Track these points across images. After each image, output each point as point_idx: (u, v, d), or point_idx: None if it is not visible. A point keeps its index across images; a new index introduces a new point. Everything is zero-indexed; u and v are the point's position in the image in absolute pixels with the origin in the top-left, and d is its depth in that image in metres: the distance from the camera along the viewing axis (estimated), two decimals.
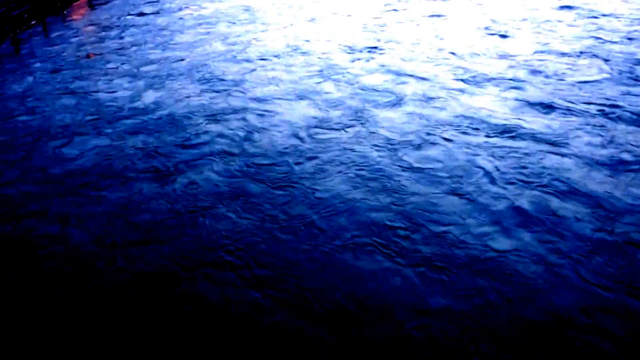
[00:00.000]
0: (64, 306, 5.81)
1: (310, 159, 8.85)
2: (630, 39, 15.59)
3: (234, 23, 19.14)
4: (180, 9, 21.00)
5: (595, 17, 18.54)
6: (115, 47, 16.12)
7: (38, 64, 14.46)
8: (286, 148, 9.25)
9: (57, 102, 11.93)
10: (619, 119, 10.43)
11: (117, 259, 6.53)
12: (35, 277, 6.29)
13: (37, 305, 5.84)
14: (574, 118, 10.45)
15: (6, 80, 13.48)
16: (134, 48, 16.05)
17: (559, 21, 18.26)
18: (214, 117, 10.81)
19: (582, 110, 10.78)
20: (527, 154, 8.99)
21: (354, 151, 9.03)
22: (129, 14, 20.01)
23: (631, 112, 10.66)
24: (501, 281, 6.16)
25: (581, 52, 14.70)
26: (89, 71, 14.14)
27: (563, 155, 8.90)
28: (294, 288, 6.02)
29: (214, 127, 10.28)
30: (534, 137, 9.58)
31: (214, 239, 6.80)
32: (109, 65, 14.44)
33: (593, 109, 10.93)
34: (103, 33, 17.66)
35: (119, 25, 18.46)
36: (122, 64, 14.48)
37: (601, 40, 15.69)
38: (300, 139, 9.67)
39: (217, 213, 7.39)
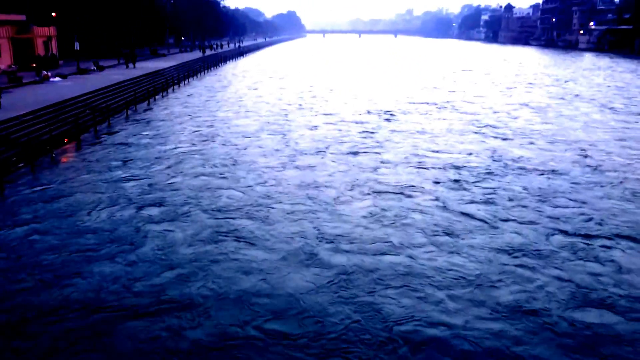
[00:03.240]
0: None
1: (271, 210, 14.58)
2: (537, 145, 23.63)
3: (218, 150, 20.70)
4: (170, 138, 22.52)
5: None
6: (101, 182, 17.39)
7: (21, 207, 14.78)
8: (256, 206, 14.81)
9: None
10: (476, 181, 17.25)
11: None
12: None
13: None
14: (449, 184, 17.00)
15: None
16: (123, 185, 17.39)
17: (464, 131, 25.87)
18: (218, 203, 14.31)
19: (455, 178, 17.55)
20: (405, 200, 15.41)
21: (302, 204, 15.02)
22: (118, 152, 21.38)
23: (477, 175, 17.88)
24: (359, 242, 12.30)
25: (472, 151, 21.50)
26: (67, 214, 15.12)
27: (428, 199, 15.48)
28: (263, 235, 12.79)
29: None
30: (418, 193, 16.05)
31: (226, 231, 13.06)
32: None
33: (466, 174, 17.88)
34: (91, 171, 18.82)
35: (107, 161, 19.76)
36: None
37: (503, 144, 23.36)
38: (269, 204, 15.03)
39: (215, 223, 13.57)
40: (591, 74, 59.86)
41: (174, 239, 12.53)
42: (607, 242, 12.39)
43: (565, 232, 12.95)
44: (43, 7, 49.65)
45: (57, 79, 36.63)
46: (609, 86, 47.91)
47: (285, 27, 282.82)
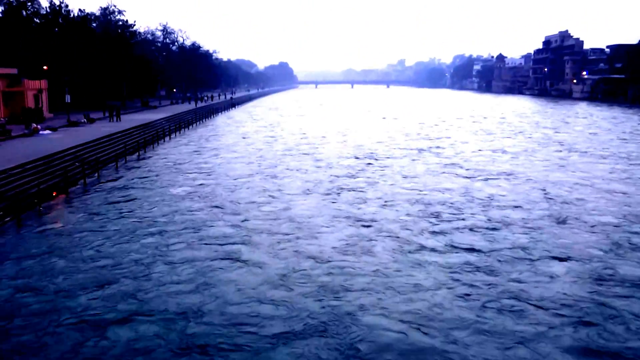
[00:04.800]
0: None
1: (260, 237, 16.76)
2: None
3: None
4: (156, 204, 22.68)
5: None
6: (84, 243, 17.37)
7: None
8: (247, 235, 15.66)
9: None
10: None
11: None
12: None
13: None
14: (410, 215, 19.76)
15: None
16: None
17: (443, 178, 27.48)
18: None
19: (427, 211, 20.35)
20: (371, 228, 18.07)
21: (287, 233, 17.33)
22: (107, 204, 21.52)
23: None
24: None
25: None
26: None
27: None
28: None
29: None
30: (390, 223, 18.55)
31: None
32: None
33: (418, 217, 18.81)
34: (77, 224, 18.91)
35: (95, 214, 19.87)
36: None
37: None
38: (258, 233, 16.24)
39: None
40: (579, 123, 61.46)
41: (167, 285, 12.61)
42: (548, 259, 14.90)
43: (514, 252, 15.52)
44: (34, 61, 50.75)
45: (47, 131, 37.11)
46: (591, 133, 49.25)
47: (277, 78, 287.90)
